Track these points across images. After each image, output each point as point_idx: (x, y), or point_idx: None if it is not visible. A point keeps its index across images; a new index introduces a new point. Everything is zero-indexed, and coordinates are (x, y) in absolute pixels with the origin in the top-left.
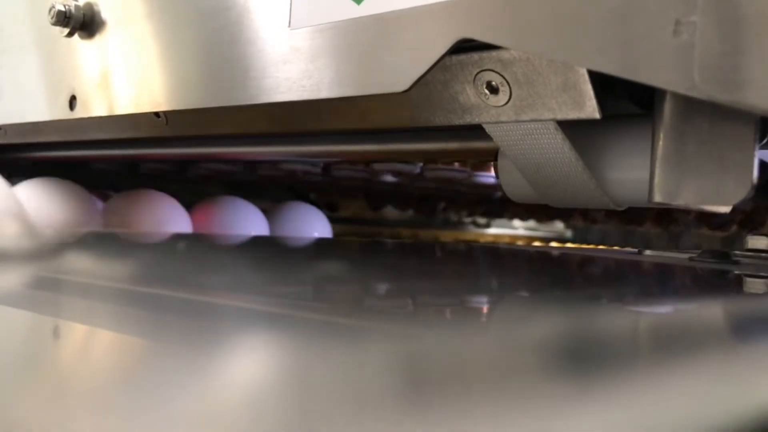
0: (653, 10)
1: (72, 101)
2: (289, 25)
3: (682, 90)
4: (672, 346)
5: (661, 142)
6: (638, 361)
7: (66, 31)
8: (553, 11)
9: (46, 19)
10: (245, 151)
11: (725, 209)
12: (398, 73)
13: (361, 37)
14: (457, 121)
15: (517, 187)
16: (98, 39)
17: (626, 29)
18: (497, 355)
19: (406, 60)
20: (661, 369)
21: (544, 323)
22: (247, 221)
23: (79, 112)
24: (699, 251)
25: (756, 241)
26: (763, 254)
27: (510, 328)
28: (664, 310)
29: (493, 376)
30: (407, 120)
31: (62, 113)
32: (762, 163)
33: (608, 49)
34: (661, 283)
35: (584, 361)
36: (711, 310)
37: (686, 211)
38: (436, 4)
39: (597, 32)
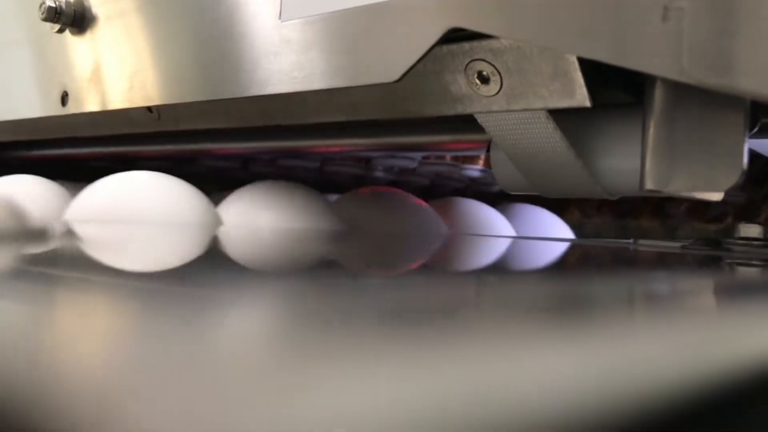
0: None
1: (64, 97)
2: (280, 17)
3: (671, 75)
4: (658, 310)
5: (651, 130)
6: (621, 317)
7: (57, 27)
8: None
9: (37, 15)
10: (237, 146)
11: (717, 196)
12: (389, 64)
13: (351, 27)
14: (449, 111)
15: (510, 178)
16: (89, 34)
17: (615, 15)
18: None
19: (396, 50)
20: (648, 325)
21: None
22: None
23: (72, 108)
24: (691, 240)
25: (748, 229)
26: (755, 242)
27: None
28: (653, 285)
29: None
30: (399, 111)
31: (54, 109)
32: (754, 153)
33: (597, 36)
34: (652, 267)
35: (577, 317)
36: (698, 286)
37: (680, 203)
38: None
39: (586, 19)
